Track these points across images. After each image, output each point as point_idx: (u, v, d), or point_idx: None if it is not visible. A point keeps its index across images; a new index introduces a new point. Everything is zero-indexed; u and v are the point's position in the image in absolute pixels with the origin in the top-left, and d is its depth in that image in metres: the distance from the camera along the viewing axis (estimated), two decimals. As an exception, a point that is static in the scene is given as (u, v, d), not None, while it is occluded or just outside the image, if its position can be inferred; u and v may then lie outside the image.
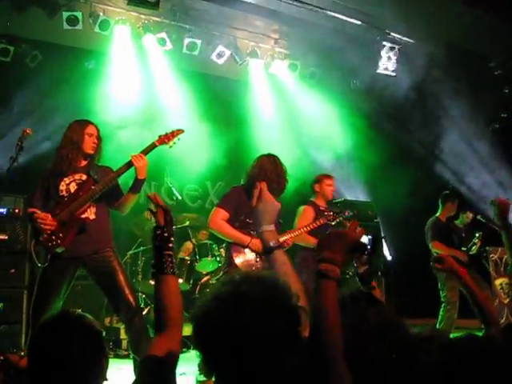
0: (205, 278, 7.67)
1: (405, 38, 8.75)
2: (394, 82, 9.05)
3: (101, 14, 7.68)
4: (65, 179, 4.41)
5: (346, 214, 5.72)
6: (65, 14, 7.38)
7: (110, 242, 4.47)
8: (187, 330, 5.42)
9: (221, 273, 5.84)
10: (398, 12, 7.82)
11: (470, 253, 7.03)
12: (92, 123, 4.63)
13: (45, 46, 7.97)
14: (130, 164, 4.38)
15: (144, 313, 6.08)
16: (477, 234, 7.10)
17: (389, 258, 8.64)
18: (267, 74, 9.40)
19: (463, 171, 9.71)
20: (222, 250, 7.30)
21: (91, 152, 4.53)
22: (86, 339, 2.04)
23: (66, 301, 4.39)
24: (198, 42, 8.30)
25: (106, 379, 2.10)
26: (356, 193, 9.49)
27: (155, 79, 8.73)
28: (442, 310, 6.80)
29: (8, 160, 4.51)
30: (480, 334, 2.07)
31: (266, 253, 2.24)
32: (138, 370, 1.98)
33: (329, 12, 7.92)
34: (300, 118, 9.55)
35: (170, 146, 4.60)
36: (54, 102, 7.48)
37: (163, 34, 8.09)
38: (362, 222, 6.65)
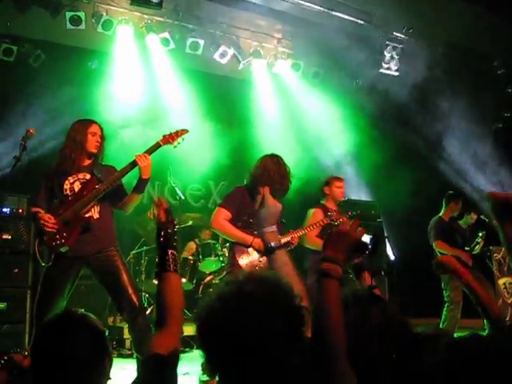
0: (208, 278, 7.68)
1: (407, 38, 8.74)
2: (396, 82, 9.04)
3: (104, 13, 7.68)
4: (69, 178, 4.41)
5: (349, 213, 5.73)
6: (68, 14, 7.39)
7: (114, 242, 4.47)
8: (191, 330, 5.42)
9: (224, 272, 5.85)
10: (400, 11, 7.81)
11: (474, 252, 7.01)
12: (95, 122, 4.63)
13: (48, 45, 7.98)
14: (134, 164, 4.37)
15: (147, 312, 6.08)
16: (480, 234, 7.08)
17: (392, 257, 8.63)
18: (270, 74, 9.40)
19: (466, 171, 9.70)
20: (225, 249, 7.31)
21: (94, 151, 4.53)
22: (88, 339, 2.04)
23: (69, 300, 4.39)
24: (201, 41, 8.30)
25: (110, 378, 2.11)
26: (359, 192, 9.48)
27: (158, 79, 8.74)
28: (445, 309, 6.80)
29: (12, 160, 4.51)
30: (484, 333, 2.06)
31: (267, 253, 2.25)
32: (140, 368, 1.98)
33: (332, 12, 7.92)
34: (303, 117, 9.55)
35: (175, 146, 4.60)
36: (57, 101, 7.49)
37: (166, 34, 8.09)
38: (365, 222, 6.64)
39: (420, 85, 8.95)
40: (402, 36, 8.76)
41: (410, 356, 1.79)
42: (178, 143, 4.60)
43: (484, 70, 9.44)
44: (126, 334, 6.62)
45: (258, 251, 4.71)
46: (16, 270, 6.05)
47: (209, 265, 7.65)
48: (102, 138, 4.60)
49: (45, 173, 4.52)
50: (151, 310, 6.86)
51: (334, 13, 7.92)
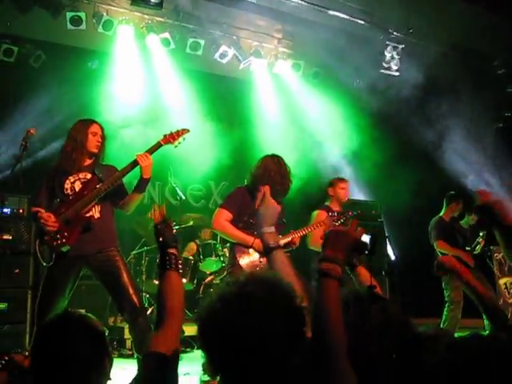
0: (209, 278, 7.68)
1: (408, 38, 8.74)
2: (397, 82, 9.04)
3: (104, 14, 7.68)
4: (70, 178, 4.42)
5: (350, 213, 5.72)
6: (68, 15, 7.39)
7: (115, 241, 4.48)
8: (191, 330, 5.41)
9: (225, 273, 5.84)
10: (401, 11, 7.81)
11: (474, 252, 7.01)
12: (96, 122, 4.64)
13: (48, 46, 7.97)
14: (135, 163, 4.38)
15: (148, 312, 6.08)
16: (480, 234, 7.08)
17: (393, 257, 8.62)
18: (271, 74, 9.40)
19: (467, 171, 9.69)
20: (225, 249, 7.31)
21: (95, 151, 4.54)
22: (88, 339, 2.05)
23: (70, 300, 4.40)
24: (202, 41, 8.31)
25: (110, 378, 2.11)
26: (360, 192, 9.48)
27: (159, 79, 8.73)
28: (445, 309, 6.79)
29: (12, 160, 4.51)
30: (485, 333, 2.06)
31: (265, 253, 2.26)
32: (140, 365, 1.98)
33: (332, 11, 7.92)
34: (303, 117, 9.55)
35: (176, 146, 4.60)
36: (57, 101, 7.49)
37: (166, 34, 8.09)
38: (365, 222, 6.65)
39: (420, 85, 8.95)
40: (403, 36, 8.75)
41: (410, 356, 1.78)
42: (179, 143, 4.59)
43: (484, 69, 9.43)
44: (127, 334, 6.61)
45: (259, 252, 4.71)
46: (17, 271, 6.05)
47: (209, 265, 7.65)
48: (103, 137, 4.61)
49: (46, 173, 4.53)
50: (152, 311, 6.85)
51: (334, 13, 7.92)
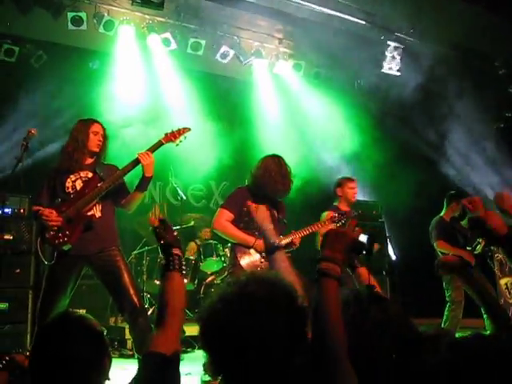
0: (210, 278, 7.68)
1: (409, 38, 8.74)
2: (398, 82, 9.04)
3: (105, 14, 7.69)
4: (71, 176, 4.43)
5: (351, 214, 5.71)
6: (69, 15, 7.40)
7: (116, 241, 4.48)
8: (192, 330, 5.41)
9: (225, 273, 5.84)
10: (402, 11, 7.80)
11: (475, 252, 6.99)
12: (97, 122, 4.65)
13: (49, 46, 7.98)
14: (136, 162, 4.38)
15: (149, 313, 6.08)
16: (481, 234, 7.06)
17: (393, 257, 8.62)
18: (271, 74, 9.40)
19: (468, 171, 9.69)
20: (226, 249, 7.31)
21: (96, 150, 4.55)
22: (87, 339, 2.06)
23: (71, 300, 4.40)
24: (203, 42, 8.31)
25: (109, 379, 2.11)
26: (360, 193, 9.48)
27: (160, 79, 8.74)
28: (446, 309, 6.78)
29: (13, 160, 4.52)
30: (486, 333, 2.06)
31: (268, 252, 2.27)
32: (140, 365, 1.99)
33: (333, 12, 7.92)
34: (304, 117, 9.55)
35: (177, 144, 4.60)
36: (58, 102, 7.50)
37: (168, 34, 8.10)
38: (361, 222, 6.64)
39: (421, 85, 8.95)
40: (404, 36, 8.76)
41: (410, 356, 1.78)
42: (180, 141, 4.60)
43: (485, 70, 9.43)
44: (128, 335, 6.60)
45: (260, 252, 4.71)
46: (18, 271, 6.05)
47: (210, 265, 7.65)
48: (104, 137, 4.62)
49: (47, 173, 4.54)
50: (153, 311, 6.86)
51: (335, 13, 7.92)
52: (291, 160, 5.09)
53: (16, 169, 4.49)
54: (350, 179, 6.26)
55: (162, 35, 8.12)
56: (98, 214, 4.40)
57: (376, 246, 6.58)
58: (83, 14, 7.45)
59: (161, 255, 2.26)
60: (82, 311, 5.84)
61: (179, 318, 2.04)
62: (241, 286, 1.65)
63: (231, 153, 8.68)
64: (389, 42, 8.77)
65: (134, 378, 1.89)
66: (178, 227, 6.98)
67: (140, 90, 8.34)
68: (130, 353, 6.37)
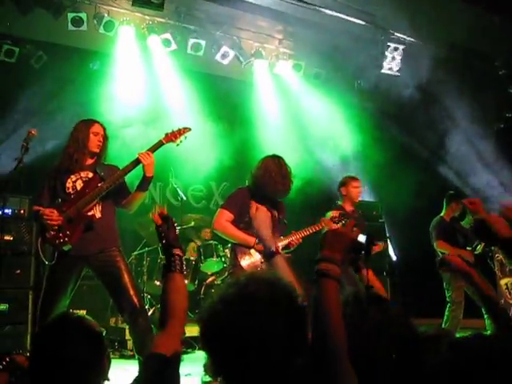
0: (210, 279, 7.68)
1: (409, 38, 8.74)
2: (398, 82, 9.04)
3: (105, 14, 7.69)
4: (71, 177, 4.43)
5: (351, 214, 5.71)
6: (69, 15, 7.39)
7: (116, 241, 4.48)
8: (193, 331, 5.39)
9: (226, 273, 5.85)
10: (402, 12, 7.80)
11: (475, 252, 7.00)
12: (98, 122, 4.65)
13: (50, 46, 7.97)
14: (137, 162, 4.38)
15: (149, 314, 6.08)
16: (482, 234, 7.04)
17: (394, 258, 8.62)
18: (272, 75, 9.40)
19: (467, 171, 9.68)
20: (226, 250, 7.31)
21: (97, 150, 4.55)
22: (86, 340, 2.07)
23: (71, 300, 4.40)
24: (203, 42, 8.31)
25: (108, 379, 2.11)
26: (361, 193, 9.48)
27: (160, 80, 8.74)
28: (447, 309, 6.79)
29: (13, 161, 4.51)
30: (487, 333, 2.06)
31: (266, 258, 2.27)
32: (142, 367, 1.99)
33: (333, 12, 7.91)
34: (305, 118, 9.55)
35: (177, 144, 4.60)
36: (58, 102, 7.51)
37: (168, 35, 8.10)
38: (367, 222, 6.64)
39: (421, 85, 8.95)
40: (404, 37, 8.76)
41: (410, 356, 1.78)
42: (181, 141, 4.59)
43: (485, 70, 9.43)
44: (128, 335, 6.60)
45: (260, 253, 4.72)
46: (18, 271, 6.05)
47: (211, 265, 7.65)
48: (105, 137, 4.62)
49: (47, 174, 4.54)
50: (153, 311, 6.86)
51: (335, 13, 7.91)
52: (291, 160, 5.09)
53: (16, 169, 4.49)
54: (354, 178, 6.25)
55: (162, 36, 8.11)
56: (99, 215, 4.40)
57: (380, 246, 6.57)
58: (83, 15, 7.45)
59: (161, 256, 2.27)
60: (83, 312, 5.85)
61: (181, 319, 2.04)
62: (241, 286, 1.65)
63: (231, 153, 8.68)
64: (389, 43, 8.77)
65: (136, 380, 1.89)
66: (178, 228, 6.96)
67: (140, 90, 8.34)
68: (131, 353, 6.37)
